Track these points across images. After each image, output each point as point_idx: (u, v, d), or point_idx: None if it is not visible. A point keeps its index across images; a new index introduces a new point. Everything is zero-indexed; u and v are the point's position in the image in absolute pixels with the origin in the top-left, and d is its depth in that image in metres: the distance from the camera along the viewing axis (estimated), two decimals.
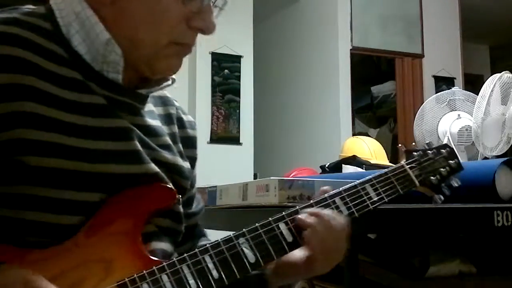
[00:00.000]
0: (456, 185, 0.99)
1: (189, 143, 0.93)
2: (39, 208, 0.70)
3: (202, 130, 4.21)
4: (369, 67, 5.67)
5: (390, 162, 2.70)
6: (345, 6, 4.81)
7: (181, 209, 0.84)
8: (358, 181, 0.90)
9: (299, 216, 0.82)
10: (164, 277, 0.70)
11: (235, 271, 0.74)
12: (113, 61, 0.78)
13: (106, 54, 0.77)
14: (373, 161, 2.43)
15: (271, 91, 5.50)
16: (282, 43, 5.41)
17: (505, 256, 1.50)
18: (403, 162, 0.98)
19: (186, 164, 0.88)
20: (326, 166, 2.38)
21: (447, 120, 2.27)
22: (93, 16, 0.77)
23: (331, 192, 0.87)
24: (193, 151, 0.94)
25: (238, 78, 4.57)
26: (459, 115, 2.26)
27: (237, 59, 4.57)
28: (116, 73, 0.78)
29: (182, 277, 0.71)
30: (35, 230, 0.70)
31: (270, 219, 0.81)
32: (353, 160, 2.34)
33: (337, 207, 0.86)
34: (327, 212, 0.83)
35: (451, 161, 1.00)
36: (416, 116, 2.38)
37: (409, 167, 0.96)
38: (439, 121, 2.29)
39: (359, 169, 2.23)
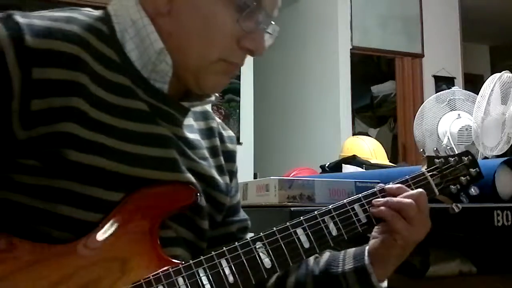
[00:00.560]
0: (475, 193, 0.96)
1: (229, 157, 0.95)
2: (72, 203, 0.70)
3: None
4: (369, 67, 5.67)
5: (390, 161, 2.70)
6: (345, 6, 4.81)
7: (206, 226, 0.84)
8: (377, 186, 0.89)
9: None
10: (180, 280, 0.70)
11: (251, 276, 0.74)
12: (162, 71, 0.79)
13: (157, 63, 0.79)
14: (373, 161, 2.43)
15: (271, 91, 5.50)
16: (282, 43, 5.41)
17: (505, 255, 1.50)
18: (423, 169, 0.95)
19: (223, 179, 0.89)
20: (326, 166, 2.38)
21: (447, 120, 2.27)
22: (150, 25, 0.78)
23: (350, 199, 0.86)
24: (232, 165, 0.96)
25: (238, 78, 4.57)
26: (459, 114, 2.26)
27: None
28: (163, 82, 0.80)
29: (198, 280, 0.71)
30: (62, 224, 0.70)
31: (287, 223, 0.79)
32: (353, 160, 2.34)
33: (355, 214, 0.85)
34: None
35: (472, 170, 0.98)
36: (416, 116, 2.38)
37: (430, 175, 0.94)
38: (439, 121, 2.29)
39: (359, 169, 2.22)
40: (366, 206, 0.85)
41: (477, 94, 2.08)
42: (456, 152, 1.00)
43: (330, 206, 0.84)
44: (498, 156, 1.91)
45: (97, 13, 0.81)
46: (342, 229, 0.82)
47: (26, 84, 0.68)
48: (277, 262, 0.76)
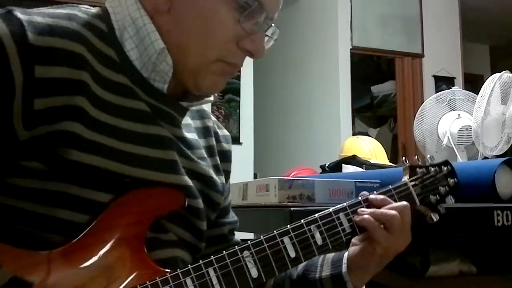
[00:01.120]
0: (452, 203, 0.97)
1: (225, 157, 0.94)
2: (70, 207, 0.69)
3: None
4: (369, 67, 5.67)
5: (390, 161, 2.70)
6: (345, 6, 4.81)
7: (205, 227, 0.84)
8: (361, 195, 0.89)
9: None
10: None
11: (237, 286, 0.73)
12: (162, 71, 0.78)
13: (157, 62, 0.78)
14: (373, 161, 2.42)
15: (271, 90, 5.50)
16: (282, 43, 5.40)
17: (505, 255, 1.50)
18: (406, 178, 0.95)
19: (220, 178, 0.89)
20: (326, 166, 2.37)
21: (447, 120, 2.26)
22: (150, 24, 0.77)
23: (335, 208, 0.86)
24: (227, 165, 0.95)
25: (238, 77, 4.57)
26: (459, 114, 2.25)
27: None
28: (163, 82, 0.79)
29: None
30: (60, 228, 0.69)
31: (275, 232, 0.79)
32: (353, 160, 2.34)
33: (340, 224, 0.85)
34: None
35: (450, 180, 0.98)
36: (416, 116, 2.38)
37: (412, 185, 0.94)
38: (439, 121, 2.29)
39: (359, 169, 2.22)
40: (351, 216, 0.86)
41: (477, 94, 2.08)
42: (439, 161, 1.01)
43: (316, 215, 0.83)
44: (498, 156, 1.91)
45: (94, 10, 0.79)
46: (327, 238, 0.82)
47: (29, 83, 0.67)
48: (263, 272, 0.75)
